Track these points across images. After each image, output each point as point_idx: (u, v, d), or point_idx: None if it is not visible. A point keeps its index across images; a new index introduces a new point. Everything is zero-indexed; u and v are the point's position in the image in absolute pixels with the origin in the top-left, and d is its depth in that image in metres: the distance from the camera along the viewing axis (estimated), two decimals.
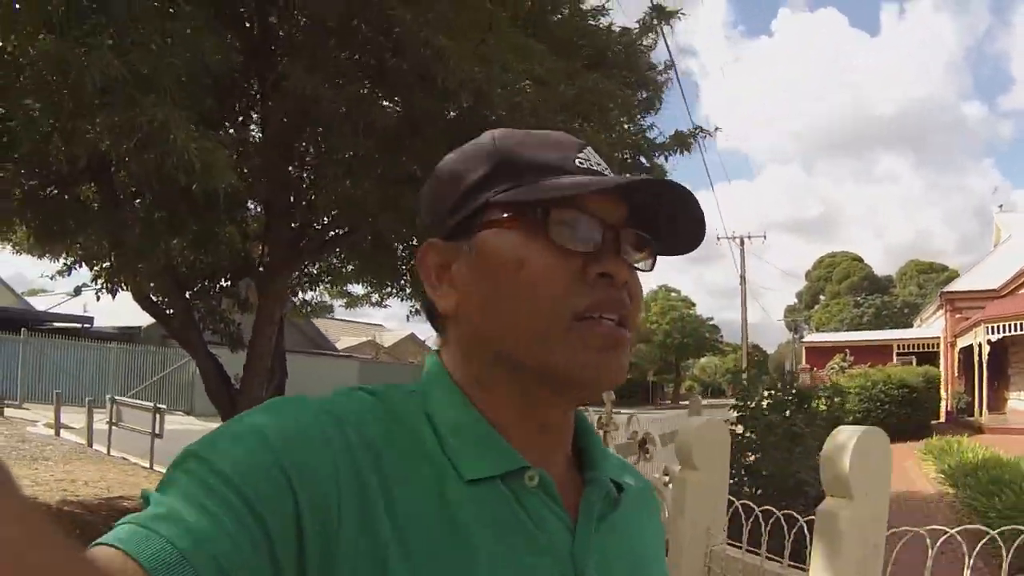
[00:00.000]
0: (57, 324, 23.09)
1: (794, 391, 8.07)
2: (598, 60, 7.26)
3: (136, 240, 5.87)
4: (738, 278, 37.70)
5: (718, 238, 37.15)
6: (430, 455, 0.69)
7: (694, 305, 60.44)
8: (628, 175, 0.77)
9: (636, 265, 0.77)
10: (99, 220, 6.12)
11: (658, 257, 0.80)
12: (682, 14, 8.11)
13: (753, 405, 7.75)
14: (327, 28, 5.28)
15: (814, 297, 68.85)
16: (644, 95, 8.33)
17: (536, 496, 0.71)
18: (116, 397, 13.39)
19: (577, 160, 0.76)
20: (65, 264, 7.74)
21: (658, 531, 0.88)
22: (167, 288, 7.05)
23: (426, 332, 57.14)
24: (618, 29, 7.91)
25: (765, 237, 47.70)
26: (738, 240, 38.05)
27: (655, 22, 8.06)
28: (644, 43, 8.16)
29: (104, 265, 7.33)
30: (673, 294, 59.66)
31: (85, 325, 22.98)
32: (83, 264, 7.61)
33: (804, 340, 40.86)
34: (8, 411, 16.63)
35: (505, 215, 0.73)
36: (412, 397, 0.74)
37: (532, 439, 0.74)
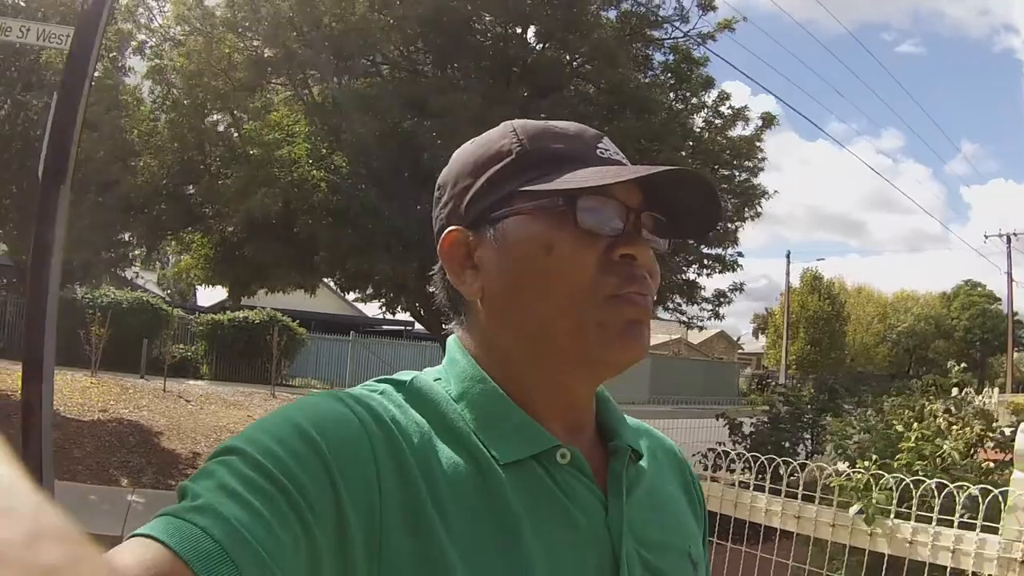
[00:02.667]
0: (384, 327, 28.91)
1: None
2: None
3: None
4: None
5: None
6: (464, 440, 0.73)
7: (998, 300, 57.99)
8: (644, 165, 0.81)
9: (661, 249, 0.83)
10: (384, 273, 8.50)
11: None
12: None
13: None
14: None
15: None
16: None
17: (568, 472, 0.75)
18: None
19: (598, 150, 0.81)
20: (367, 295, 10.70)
21: (687, 489, 0.93)
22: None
23: (733, 330, 58.24)
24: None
25: None
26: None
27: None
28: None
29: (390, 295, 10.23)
30: (978, 289, 58.96)
31: (407, 327, 27.65)
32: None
33: None
34: None
35: (533, 203, 0.77)
36: (439, 384, 0.78)
37: (560, 416, 0.79)
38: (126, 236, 11.24)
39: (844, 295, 54.48)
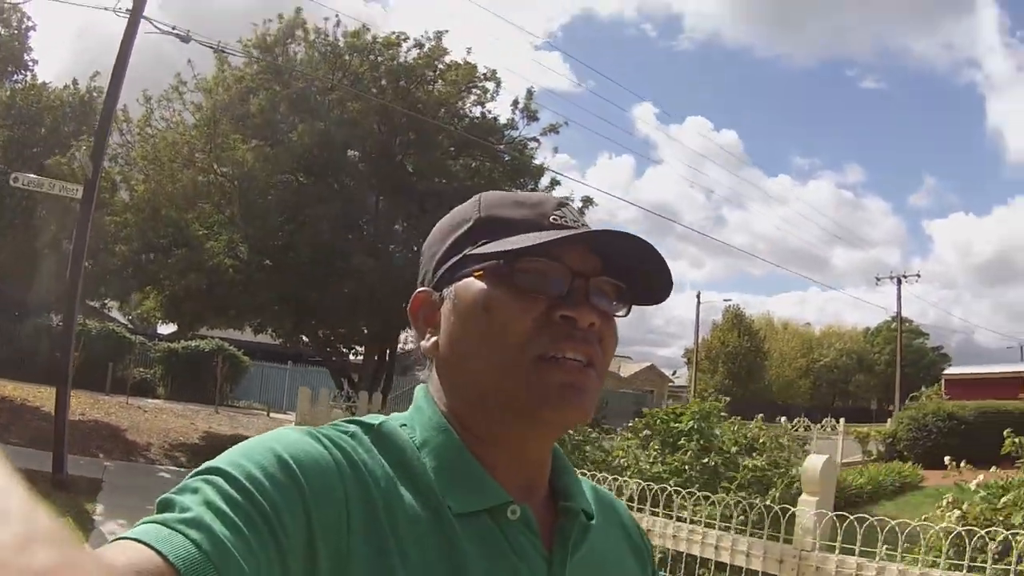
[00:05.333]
0: (314, 358, 32.75)
1: None
2: None
3: None
4: None
5: None
6: (423, 488, 0.77)
7: (923, 335, 60.90)
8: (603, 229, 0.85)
9: (612, 312, 0.86)
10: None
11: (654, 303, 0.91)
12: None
13: None
14: None
15: None
16: None
17: (517, 528, 0.79)
18: None
19: (552, 217, 0.86)
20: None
21: (634, 548, 0.98)
22: None
23: (665, 364, 61.61)
24: None
25: None
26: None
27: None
28: None
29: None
30: (905, 324, 58.78)
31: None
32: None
33: None
34: None
35: (478, 265, 0.83)
36: (404, 430, 0.82)
37: (514, 472, 0.83)
38: (102, 289, 15.95)
39: (768, 331, 58.70)
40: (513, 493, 0.81)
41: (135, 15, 9.63)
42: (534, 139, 16.84)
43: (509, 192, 0.91)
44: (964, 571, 3.25)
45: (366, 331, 15.55)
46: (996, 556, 3.26)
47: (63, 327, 9.70)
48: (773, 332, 60.37)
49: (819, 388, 59.29)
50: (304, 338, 16.27)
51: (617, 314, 0.87)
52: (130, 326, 25.93)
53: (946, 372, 31.80)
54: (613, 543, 0.93)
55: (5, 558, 0.30)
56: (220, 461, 0.67)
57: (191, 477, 0.67)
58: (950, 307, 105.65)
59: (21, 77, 15.54)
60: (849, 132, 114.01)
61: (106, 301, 19.79)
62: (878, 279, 42.58)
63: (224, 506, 0.62)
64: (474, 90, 16.23)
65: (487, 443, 0.82)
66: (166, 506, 0.63)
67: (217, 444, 14.53)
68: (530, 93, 16.80)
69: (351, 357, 18.26)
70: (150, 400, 21.06)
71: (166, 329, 29.23)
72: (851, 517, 3.75)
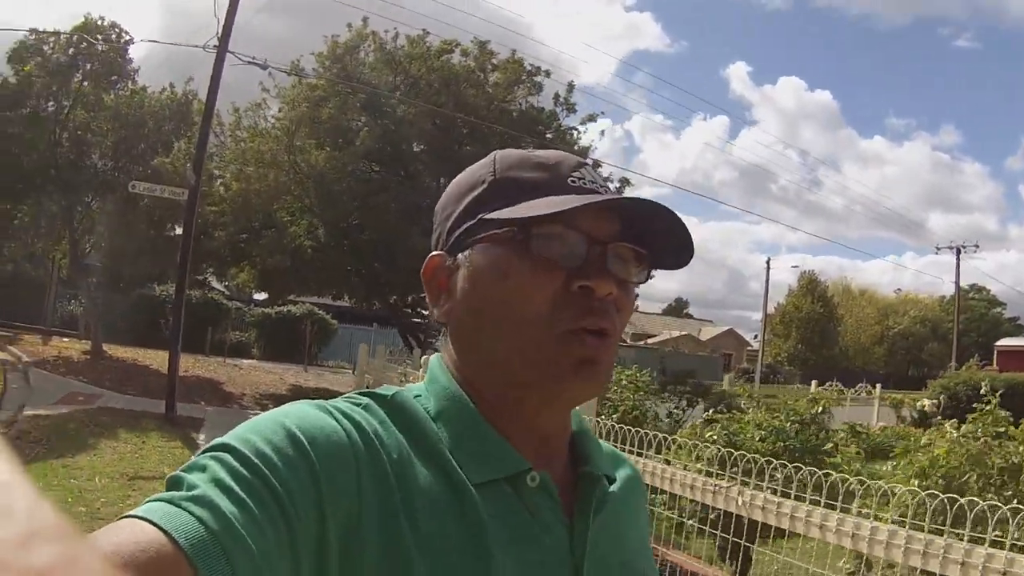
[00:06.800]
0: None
1: None
2: None
3: None
4: None
5: None
6: (439, 459, 0.76)
7: (1001, 304, 61.71)
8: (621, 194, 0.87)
9: (630, 279, 0.84)
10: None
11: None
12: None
13: None
14: None
15: None
16: None
17: (537, 495, 0.79)
18: None
19: (570, 179, 0.83)
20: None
21: (645, 519, 0.99)
22: None
23: (748, 327, 63.74)
24: None
25: None
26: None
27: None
28: None
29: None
30: (982, 293, 62.16)
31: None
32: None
33: None
34: None
35: (494, 231, 0.81)
36: (418, 400, 0.82)
37: (532, 439, 0.82)
38: (203, 266, 18.98)
39: (844, 297, 59.35)
40: (531, 460, 0.80)
41: (221, 51, 12.17)
42: (573, 128, 19.47)
43: (526, 151, 0.89)
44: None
45: (420, 300, 18.47)
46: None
47: (175, 299, 12.55)
48: (850, 298, 60.80)
49: (894, 355, 59.50)
50: (376, 304, 19.34)
51: (636, 280, 0.85)
52: (227, 293, 28.32)
53: (999, 343, 32.20)
54: (631, 506, 0.94)
55: (6, 554, 0.30)
56: (229, 437, 0.67)
57: (200, 454, 0.67)
58: None
59: (124, 84, 17.93)
60: (944, 93, 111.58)
61: (206, 275, 22.85)
62: (937, 249, 42.84)
63: (232, 483, 0.62)
64: (524, 83, 18.57)
65: (502, 412, 0.81)
66: (174, 484, 0.63)
67: (302, 395, 17.28)
68: (571, 86, 19.35)
69: (417, 320, 20.97)
70: (245, 360, 23.85)
71: (261, 296, 32.23)
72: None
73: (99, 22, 16.98)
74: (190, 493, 0.60)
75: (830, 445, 5.92)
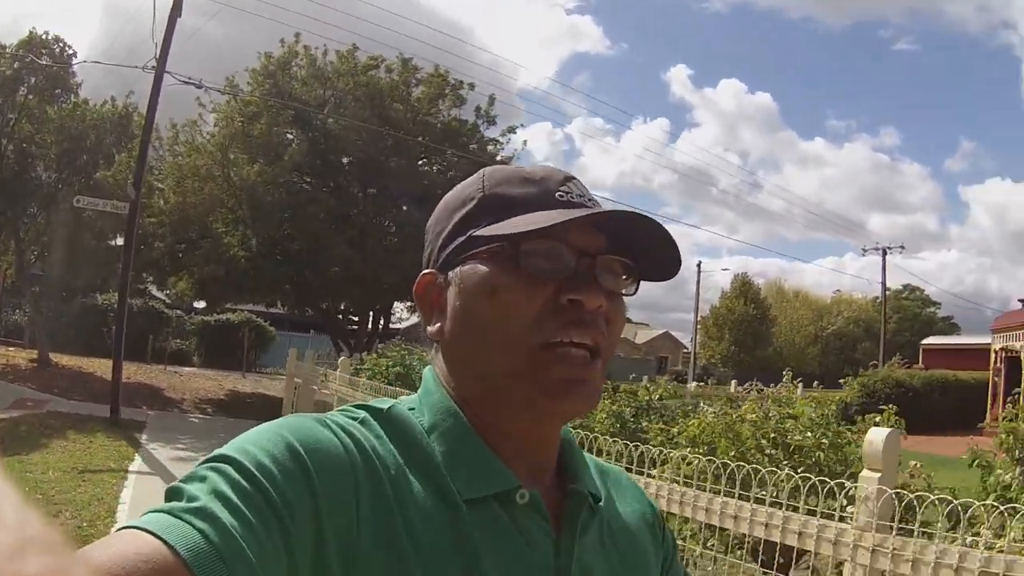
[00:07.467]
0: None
1: None
2: None
3: None
4: None
5: None
6: (433, 474, 0.77)
7: (935, 304, 62.86)
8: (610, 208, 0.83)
9: (619, 291, 0.85)
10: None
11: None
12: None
13: None
14: None
15: None
16: None
17: (525, 512, 0.80)
18: None
19: (558, 194, 0.84)
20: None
21: (651, 529, 0.97)
22: None
23: (681, 330, 62.41)
24: None
25: None
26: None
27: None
28: None
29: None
30: (916, 293, 63.39)
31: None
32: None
33: None
34: None
35: (483, 247, 0.82)
36: (413, 414, 0.83)
37: (522, 456, 0.83)
38: (144, 275, 20.08)
39: (778, 298, 60.60)
40: (521, 476, 0.81)
41: (159, 73, 13.18)
42: (495, 140, 20.89)
43: (514, 167, 0.89)
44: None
45: (351, 307, 19.94)
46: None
47: (117, 308, 13.53)
48: (784, 299, 62.11)
49: (828, 355, 60.77)
50: (308, 311, 20.66)
51: (625, 292, 0.86)
52: (167, 302, 28.64)
53: (924, 342, 32.88)
54: (622, 519, 0.93)
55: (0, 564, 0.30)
56: (229, 448, 0.68)
57: (200, 465, 0.67)
58: (987, 275, 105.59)
59: (67, 98, 18.59)
60: (884, 95, 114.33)
61: (146, 284, 23.59)
62: (864, 251, 45.13)
63: (232, 495, 0.62)
64: (447, 96, 19.71)
65: (493, 427, 0.82)
66: (174, 495, 0.63)
67: (238, 400, 18.61)
68: (492, 99, 20.72)
69: (350, 327, 22.15)
70: (185, 367, 24.67)
71: (201, 304, 32.76)
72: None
73: (43, 37, 17.85)
74: (190, 505, 0.61)
75: (659, 424, 6.76)
